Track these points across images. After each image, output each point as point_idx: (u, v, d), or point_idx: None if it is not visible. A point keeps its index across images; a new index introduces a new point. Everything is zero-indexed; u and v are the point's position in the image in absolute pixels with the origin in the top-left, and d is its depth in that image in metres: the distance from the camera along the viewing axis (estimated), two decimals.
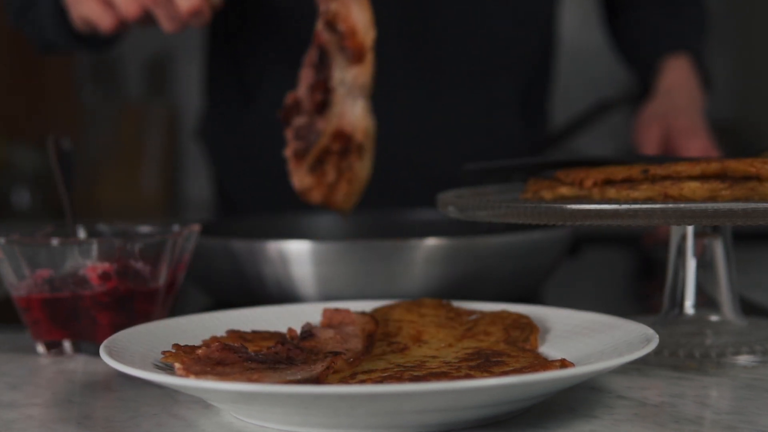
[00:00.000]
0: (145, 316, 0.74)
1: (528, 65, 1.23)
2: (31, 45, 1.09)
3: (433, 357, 0.63)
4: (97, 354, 0.71)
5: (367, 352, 0.64)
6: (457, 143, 1.20)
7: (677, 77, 1.19)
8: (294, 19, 1.14)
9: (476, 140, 1.20)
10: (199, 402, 0.61)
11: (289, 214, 1.09)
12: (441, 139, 1.19)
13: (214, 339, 0.65)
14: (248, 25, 1.20)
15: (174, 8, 0.87)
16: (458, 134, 1.20)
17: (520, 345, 0.65)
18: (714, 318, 0.73)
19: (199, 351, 0.58)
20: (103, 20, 0.91)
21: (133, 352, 0.60)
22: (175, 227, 0.79)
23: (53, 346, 0.75)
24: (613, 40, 1.32)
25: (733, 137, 2.86)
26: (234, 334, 0.67)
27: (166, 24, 0.89)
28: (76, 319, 0.73)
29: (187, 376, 0.54)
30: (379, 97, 1.16)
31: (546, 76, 1.28)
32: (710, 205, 0.62)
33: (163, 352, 0.60)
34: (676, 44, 1.21)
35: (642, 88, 1.25)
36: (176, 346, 0.60)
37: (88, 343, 0.74)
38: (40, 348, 0.75)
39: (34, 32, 1.05)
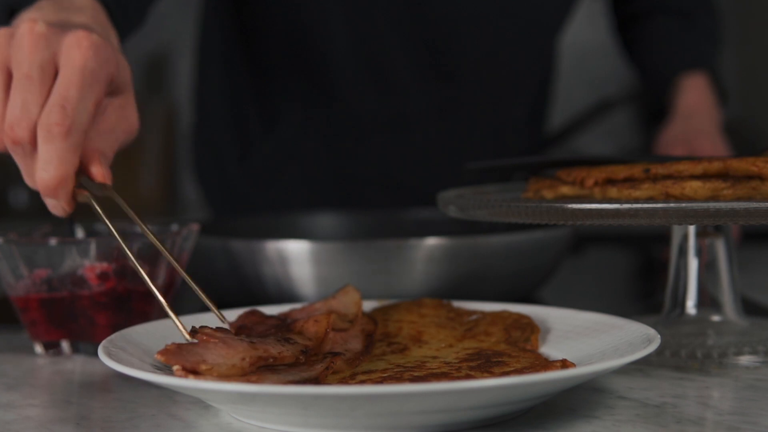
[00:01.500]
0: (144, 316, 0.74)
1: (536, 88, 1.23)
2: None
3: (434, 357, 0.63)
4: (95, 354, 0.70)
5: (367, 352, 0.63)
6: (463, 149, 1.20)
7: (697, 98, 1.18)
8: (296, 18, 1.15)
9: (476, 140, 1.20)
10: (198, 403, 0.60)
11: (288, 214, 1.09)
12: (442, 139, 1.19)
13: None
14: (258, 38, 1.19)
15: (31, 171, 0.68)
16: (466, 147, 1.20)
17: (520, 345, 0.64)
18: (716, 318, 0.72)
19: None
20: None
21: (132, 352, 0.60)
22: (174, 227, 0.79)
23: (51, 347, 0.74)
24: (625, 52, 1.29)
25: (735, 136, 2.86)
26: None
27: (26, 179, 0.70)
28: (74, 319, 0.73)
29: (185, 376, 0.54)
30: (389, 107, 1.17)
31: (549, 88, 1.28)
32: (712, 205, 0.61)
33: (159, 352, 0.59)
34: (693, 61, 1.20)
35: (657, 104, 1.23)
36: (175, 344, 0.60)
37: (86, 343, 0.74)
38: (38, 348, 0.75)
39: None
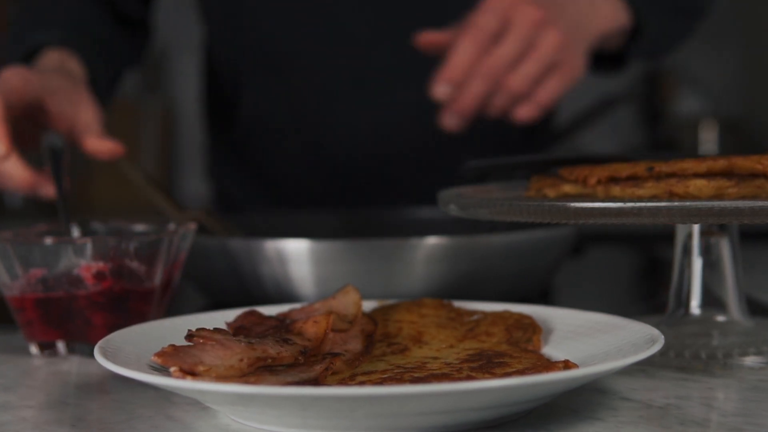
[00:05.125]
0: (141, 316, 0.73)
1: None
2: None
3: (434, 358, 0.62)
4: (91, 355, 0.70)
5: (367, 352, 0.63)
6: (460, 141, 1.20)
7: None
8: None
9: (477, 138, 1.20)
10: (196, 404, 0.60)
11: (287, 213, 1.09)
12: (442, 137, 1.19)
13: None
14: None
15: None
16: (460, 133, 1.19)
17: (522, 346, 0.64)
18: (720, 318, 0.72)
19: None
20: None
21: (128, 353, 0.60)
22: (171, 225, 0.78)
23: (47, 347, 0.74)
24: None
25: (740, 134, 2.86)
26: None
27: None
28: (71, 319, 0.72)
29: (182, 377, 0.54)
30: (382, 93, 1.16)
31: None
32: (716, 204, 0.61)
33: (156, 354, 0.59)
34: None
35: None
36: (172, 346, 0.59)
37: (83, 343, 0.73)
38: (34, 349, 0.74)
39: None
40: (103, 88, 0.99)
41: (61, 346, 0.74)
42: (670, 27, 1.11)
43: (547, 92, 0.94)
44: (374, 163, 1.19)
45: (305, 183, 1.21)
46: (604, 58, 1.08)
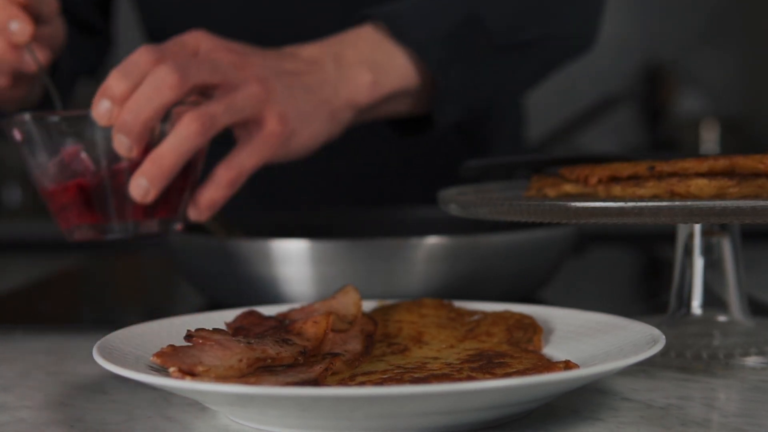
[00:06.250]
0: (179, 192, 0.71)
1: None
2: None
3: (434, 358, 0.62)
4: (126, 235, 0.68)
5: (367, 353, 0.63)
6: (460, 141, 1.19)
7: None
8: None
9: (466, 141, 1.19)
10: (195, 404, 0.60)
11: (286, 212, 1.08)
12: (442, 137, 1.19)
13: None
14: None
15: None
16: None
17: (523, 346, 0.64)
18: (722, 318, 0.72)
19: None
20: None
21: (127, 353, 0.60)
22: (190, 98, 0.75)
23: (80, 233, 0.71)
24: None
25: (741, 133, 2.86)
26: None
27: None
28: (109, 198, 0.70)
29: (181, 378, 0.53)
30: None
31: None
32: (718, 203, 0.61)
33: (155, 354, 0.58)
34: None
35: None
36: (171, 346, 0.59)
37: (120, 223, 0.71)
38: (71, 235, 0.71)
39: None
40: (63, 77, 0.94)
41: (95, 228, 0.71)
42: (496, 74, 0.93)
43: (234, 167, 0.77)
44: (375, 162, 1.19)
45: (305, 183, 1.21)
46: (412, 121, 0.92)
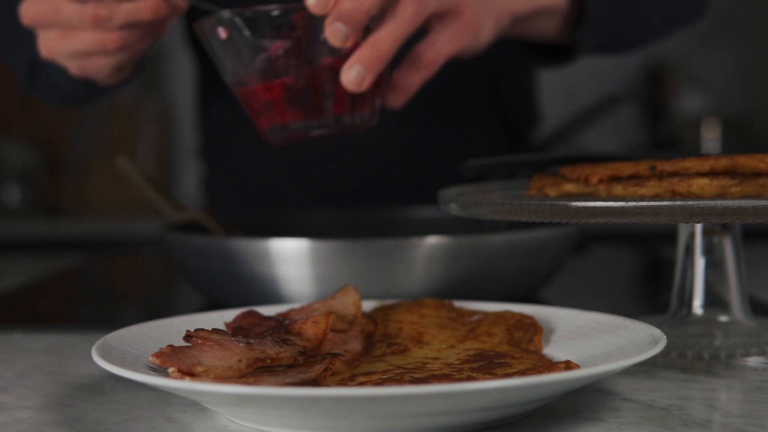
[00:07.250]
0: (377, 84, 0.70)
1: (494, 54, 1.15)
2: (50, 105, 1.05)
3: (435, 359, 0.62)
4: (328, 130, 0.68)
5: (367, 353, 0.63)
6: (460, 141, 1.19)
7: None
8: None
9: (458, 135, 1.19)
10: (194, 405, 0.59)
11: (285, 212, 1.08)
12: (434, 134, 1.18)
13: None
14: None
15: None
16: (447, 130, 1.18)
17: (523, 346, 0.64)
18: (723, 318, 0.72)
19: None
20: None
21: (126, 353, 0.59)
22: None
23: (284, 131, 0.70)
24: None
25: (743, 132, 2.85)
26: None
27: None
28: (314, 94, 0.69)
29: (181, 378, 0.53)
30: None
31: (518, 66, 1.24)
32: (719, 203, 0.60)
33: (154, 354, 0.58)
34: None
35: None
36: (170, 346, 0.59)
37: (322, 119, 0.70)
38: (274, 134, 0.69)
39: (48, 94, 1.00)
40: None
41: (297, 125, 0.70)
42: (629, 13, 1.00)
43: (435, 49, 0.80)
44: (373, 163, 1.18)
45: (304, 184, 1.21)
46: (552, 50, 1.00)
